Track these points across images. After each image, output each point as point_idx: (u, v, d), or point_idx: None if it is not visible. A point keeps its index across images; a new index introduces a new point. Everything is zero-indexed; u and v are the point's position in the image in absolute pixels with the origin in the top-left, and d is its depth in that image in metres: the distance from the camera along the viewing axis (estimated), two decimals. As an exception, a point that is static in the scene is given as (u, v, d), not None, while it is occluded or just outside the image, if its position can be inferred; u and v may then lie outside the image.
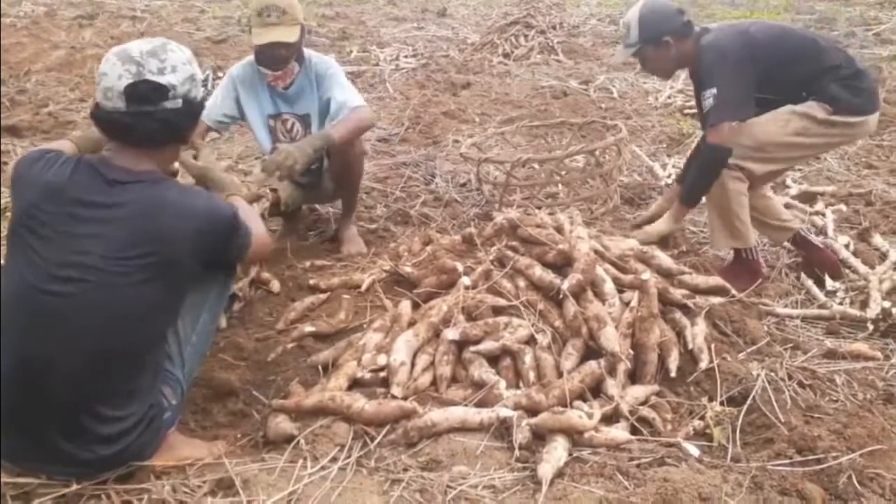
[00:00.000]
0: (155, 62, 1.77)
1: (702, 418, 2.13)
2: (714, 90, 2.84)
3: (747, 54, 2.87)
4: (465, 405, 2.08)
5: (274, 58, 3.15)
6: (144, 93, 1.75)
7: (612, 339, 2.21)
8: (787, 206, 3.85)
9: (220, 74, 6.07)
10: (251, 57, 3.32)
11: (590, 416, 1.99)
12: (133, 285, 1.71)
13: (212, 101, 3.26)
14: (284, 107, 3.34)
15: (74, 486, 1.75)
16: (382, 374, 2.20)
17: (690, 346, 2.34)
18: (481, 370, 2.18)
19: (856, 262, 3.19)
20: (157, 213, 1.74)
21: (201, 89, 1.93)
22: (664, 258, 2.70)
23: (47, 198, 1.75)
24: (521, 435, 1.93)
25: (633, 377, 2.30)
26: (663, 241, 3.18)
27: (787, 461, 1.89)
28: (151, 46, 1.81)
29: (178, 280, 1.81)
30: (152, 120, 1.78)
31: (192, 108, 1.87)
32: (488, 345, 2.25)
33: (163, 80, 1.77)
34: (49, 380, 1.68)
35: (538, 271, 2.45)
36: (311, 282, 2.95)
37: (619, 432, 2.01)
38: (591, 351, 2.27)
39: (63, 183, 1.76)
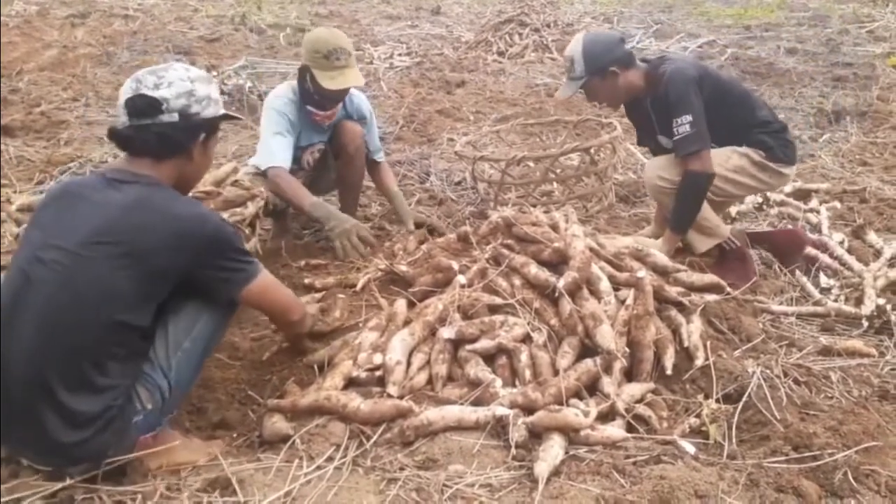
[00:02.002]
0: (152, 79, 1.92)
1: (698, 416, 2.13)
2: (689, 117, 2.91)
3: (701, 82, 2.98)
4: (462, 404, 2.08)
5: (338, 99, 3.28)
6: (140, 106, 1.89)
7: (607, 336, 2.21)
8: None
9: (215, 74, 6.09)
10: (286, 91, 3.33)
11: (586, 414, 1.99)
12: (100, 273, 1.76)
13: (283, 144, 3.22)
14: (318, 138, 3.46)
15: (69, 481, 1.75)
16: (378, 373, 2.20)
17: (686, 343, 2.34)
18: (477, 369, 2.18)
19: (850, 260, 3.20)
20: (137, 208, 1.83)
21: (209, 107, 1.98)
22: (659, 256, 2.71)
23: (55, 197, 1.93)
24: (517, 433, 1.93)
25: (629, 375, 2.30)
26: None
27: (783, 458, 1.90)
28: (157, 67, 1.98)
29: (151, 277, 1.81)
30: (149, 132, 1.91)
31: (191, 124, 1.96)
32: (484, 343, 2.25)
33: (156, 94, 1.90)
34: (12, 352, 1.73)
35: (534, 269, 2.44)
36: (307, 281, 2.94)
37: (615, 430, 2.01)
38: (587, 349, 2.27)
39: (74, 184, 1.98)
